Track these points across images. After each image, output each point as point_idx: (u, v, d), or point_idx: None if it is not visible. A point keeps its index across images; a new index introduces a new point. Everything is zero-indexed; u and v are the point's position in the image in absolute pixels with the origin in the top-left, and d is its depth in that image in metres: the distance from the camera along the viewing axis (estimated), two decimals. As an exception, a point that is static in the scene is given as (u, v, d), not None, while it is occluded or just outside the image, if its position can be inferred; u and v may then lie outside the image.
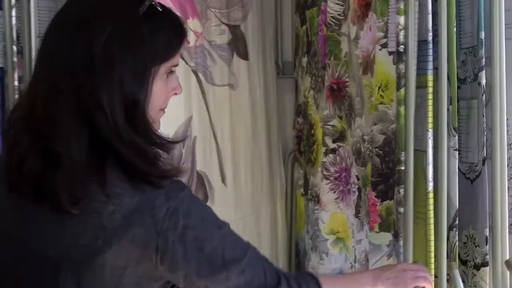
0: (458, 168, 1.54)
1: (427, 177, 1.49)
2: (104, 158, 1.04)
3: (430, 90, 1.50)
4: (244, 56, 2.24)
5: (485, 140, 1.47)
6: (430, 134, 1.49)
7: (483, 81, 1.46)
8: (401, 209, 1.55)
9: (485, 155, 1.47)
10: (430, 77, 1.49)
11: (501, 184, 1.47)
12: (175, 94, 1.16)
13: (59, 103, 1.03)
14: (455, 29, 1.48)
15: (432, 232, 1.49)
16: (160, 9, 1.10)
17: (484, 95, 1.47)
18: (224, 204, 2.14)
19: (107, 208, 1.03)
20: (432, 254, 1.48)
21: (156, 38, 1.07)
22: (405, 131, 1.52)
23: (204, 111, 2.13)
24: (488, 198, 1.48)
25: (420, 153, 1.52)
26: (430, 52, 1.49)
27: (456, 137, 1.51)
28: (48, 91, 1.05)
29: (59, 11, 1.11)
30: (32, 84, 1.10)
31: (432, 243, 1.48)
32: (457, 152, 1.51)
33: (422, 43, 1.51)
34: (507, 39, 1.47)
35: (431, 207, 1.48)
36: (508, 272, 1.46)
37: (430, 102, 1.49)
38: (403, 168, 1.53)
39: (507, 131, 1.49)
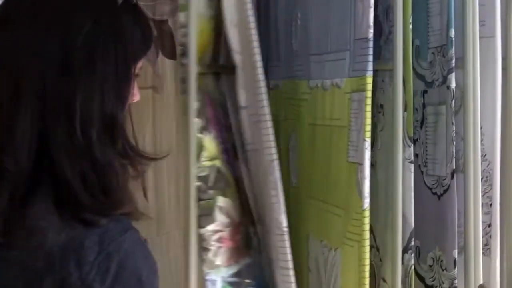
0: (424, 182, 1.40)
1: (362, 193, 1.31)
2: (38, 181, 0.92)
3: (369, 94, 1.31)
4: (171, 55, 2.05)
5: (454, 151, 1.34)
6: (367, 144, 1.31)
7: (453, 85, 1.33)
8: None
9: (454, 168, 1.34)
10: (368, 79, 1.31)
11: (475, 200, 1.36)
12: (133, 100, 1.05)
13: (20, 106, 0.91)
14: (411, 26, 1.35)
15: (366, 255, 1.31)
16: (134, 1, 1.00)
17: (453, 100, 1.34)
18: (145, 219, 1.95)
19: (29, 245, 0.90)
20: (366, 281, 1.31)
21: (134, 33, 0.99)
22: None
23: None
24: (457, 216, 1.35)
25: (353, 165, 1.34)
26: (370, 51, 1.31)
27: (412, 148, 1.37)
28: (8, 91, 0.91)
29: None
30: None
31: (366, 268, 1.31)
32: (412, 165, 1.37)
33: (359, 41, 1.34)
34: (481, 37, 1.37)
35: (366, 227, 1.31)
36: (483, 299, 1.34)
37: (368, 108, 1.31)
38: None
39: (481, 140, 1.38)
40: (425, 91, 1.41)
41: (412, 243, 1.37)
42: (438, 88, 1.37)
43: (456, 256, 1.33)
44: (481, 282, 1.37)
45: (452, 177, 1.33)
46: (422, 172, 1.41)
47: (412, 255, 1.37)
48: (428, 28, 1.39)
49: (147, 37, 1.04)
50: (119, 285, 0.89)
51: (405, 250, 1.37)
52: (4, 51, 0.93)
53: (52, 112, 0.91)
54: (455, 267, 1.33)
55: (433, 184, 1.39)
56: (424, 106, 1.40)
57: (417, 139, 1.42)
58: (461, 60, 1.35)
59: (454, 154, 1.33)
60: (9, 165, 0.90)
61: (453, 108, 1.33)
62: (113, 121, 0.94)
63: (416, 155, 1.42)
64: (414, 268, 1.43)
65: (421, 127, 1.42)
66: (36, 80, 0.91)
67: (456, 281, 1.33)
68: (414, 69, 1.40)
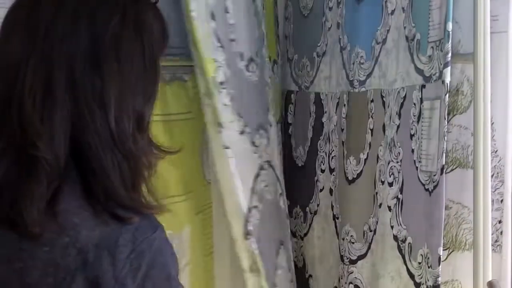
0: (418, 178, 1.43)
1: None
2: (65, 177, 0.91)
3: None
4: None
5: (444, 147, 1.36)
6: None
7: (447, 79, 1.35)
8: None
9: (443, 163, 1.35)
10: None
11: (484, 197, 1.36)
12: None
13: (54, 95, 0.91)
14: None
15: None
16: None
17: (447, 95, 1.35)
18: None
19: (61, 241, 0.90)
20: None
21: (156, 29, 1.00)
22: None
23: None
24: (445, 212, 1.38)
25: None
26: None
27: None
28: (40, 78, 0.90)
29: None
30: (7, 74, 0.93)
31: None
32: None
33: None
34: (493, 32, 1.37)
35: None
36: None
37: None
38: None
39: (493, 136, 1.39)
40: (423, 86, 1.43)
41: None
42: (435, 83, 1.39)
43: (441, 254, 1.34)
44: (490, 278, 1.36)
45: (442, 173, 1.35)
46: (416, 168, 1.43)
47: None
48: (429, 21, 1.41)
49: (166, 34, 1.05)
50: (149, 281, 0.91)
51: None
52: (33, 31, 0.93)
53: (85, 103, 0.92)
54: (439, 264, 1.35)
55: (426, 180, 1.41)
56: (421, 101, 1.42)
57: (413, 134, 1.44)
58: (472, 55, 1.36)
59: (444, 150, 1.35)
60: (46, 153, 0.90)
61: (447, 103, 1.35)
62: (142, 115, 0.96)
63: (412, 151, 1.45)
64: (406, 265, 1.47)
65: (418, 122, 1.44)
66: (67, 69, 0.92)
67: (439, 278, 1.35)
68: (413, 63, 1.41)
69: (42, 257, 0.90)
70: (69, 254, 0.89)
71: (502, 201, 1.42)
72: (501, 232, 1.42)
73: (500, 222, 1.42)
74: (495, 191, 1.41)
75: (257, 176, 1.68)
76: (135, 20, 0.96)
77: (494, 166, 1.40)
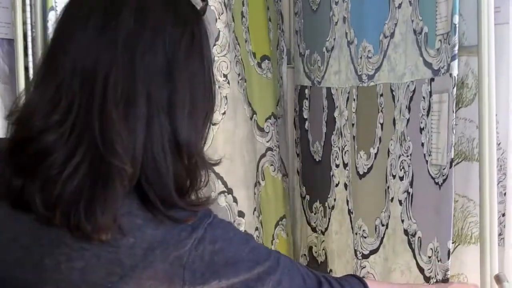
0: (428, 172, 1.45)
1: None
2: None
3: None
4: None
5: (453, 140, 1.38)
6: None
7: (455, 72, 1.37)
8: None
9: (452, 157, 1.38)
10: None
11: (490, 189, 1.38)
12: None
13: (135, 111, 0.97)
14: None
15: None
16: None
17: (455, 88, 1.37)
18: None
19: (126, 241, 0.96)
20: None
21: (208, 42, 1.06)
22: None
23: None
24: (453, 206, 1.40)
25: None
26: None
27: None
28: (123, 96, 0.96)
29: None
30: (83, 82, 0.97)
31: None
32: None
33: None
34: (495, 24, 1.38)
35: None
36: (497, 288, 1.36)
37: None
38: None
39: (496, 128, 1.39)
40: (432, 79, 1.45)
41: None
42: (443, 76, 1.42)
43: (450, 247, 1.37)
44: (497, 272, 1.37)
45: (451, 166, 1.37)
46: (426, 161, 1.46)
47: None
48: (436, 15, 1.43)
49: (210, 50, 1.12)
50: (216, 254, 1.01)
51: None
52: (112, 41, 0.97)
53: (157, 116, 0.97)
54: (448, 258, 1.38)
55: (436, 174, 1.44)
56: (430, 94, 1.44)
57: (423, 128, 1.46)
58: (476, 48, 1.37)
59: (453, 143, 1.37)
60: (125, 162, 0.95)
61: (454, 96, 1.37)
62: (206, 128, 1.04)
63: (421, 144, 1.47)
64: (415, 259, 1.49)
65: (427, 116, 1.47)
66: (146, 83, 0.97)
67: (449, 272, 1.38)
68: (422, 56, 1.43)
69: (107, 257, 0.96)
70: (135, 253, 0.96)
71: (505, 194, 1.42)
72: (504, 225, 1.42)
73: (503, 215, 1.43)
74: (498, 184, 1.41)
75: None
76: (199, 40, 1.04)
77: (498, 158, 1.41)
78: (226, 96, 1.84)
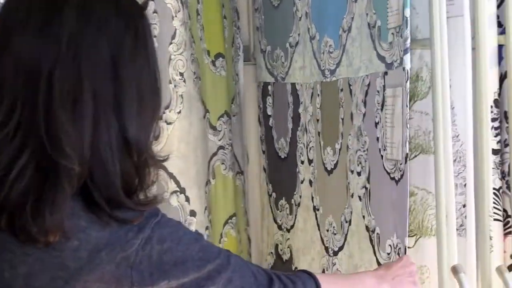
0: (383, 167, 1.47)
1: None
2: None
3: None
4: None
5: (407, 134, 1.40)
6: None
7: (408, 66, 1.39)
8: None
9: (407, 151, 1.40)
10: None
11: (446, 181, 1.40)
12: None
13: (81, 109, 0.96)
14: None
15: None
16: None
17: (408, 82, 1.40)
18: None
19: (70, 244, 0.95)
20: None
21: (152, 40, 1.06)
22: None
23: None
24: (410, 199, 1.44)
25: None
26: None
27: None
28: (69, 94, 0.95)
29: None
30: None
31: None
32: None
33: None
34: (449, 17, 1.41)
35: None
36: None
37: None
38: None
39: (454, 121, 1.41)
40: (385, 73, 1.47)
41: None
42: (397, 69, 1.44)
43: (406, 244, 1.40)
44: (456, 263, 1.40)
45: (406, 161, 1.39)
46: (382, 156, 1.48)
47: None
48: (388, 8, 1.45)
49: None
50: (165, 253, 0.99)
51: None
52: (55, 39, 0.96)
53: (104, 114, 0.96)
54: (405, 254, 1.39)
55: (392, 169, 1.46)
56: (384, 88, 1.46)
57: (378, 122, 1.48)
58: (429, 41, 1.39)
59: (408, 138, 1.39)
60: (73, 162, 0.93)
61: (408, 90, 1.39)
62: (155, 125, 1.03)
63: (377, 139, 1.49)
64: (375, 256, 1.51)
65: (381, 110, 1.49)
66: (92, 80, 0.96)
67: None
68: (376, 50, 1.45)
69: (51, 261, 0.95)
70: (80, 256, 0.95)
71: (465, 185, 1.45)
72: (466, 217, 1.44)
73: (464, 206, 1.45)
74: (458, 175, 1.45)
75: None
76: (143, 34, 1.03)
77: (456, 150, 1.44)
78: (182, 95, 1.84)
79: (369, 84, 1.55)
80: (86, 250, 0.95)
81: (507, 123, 1.45)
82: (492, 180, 1.45)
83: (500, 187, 1.48)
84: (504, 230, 1.48)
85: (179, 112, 1.83)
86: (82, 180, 0.96)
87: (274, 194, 2.18)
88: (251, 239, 2.22)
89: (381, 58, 1.48)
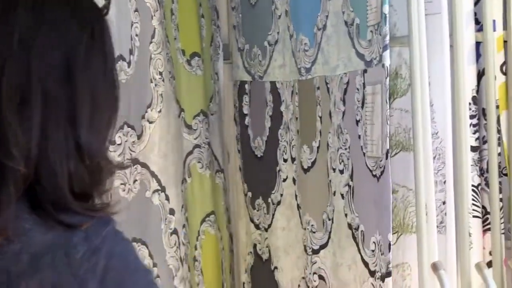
0: (366, 164, 1.48)
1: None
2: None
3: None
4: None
5: (388, 131, 1.41)
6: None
7: (387, 63, 1.40)
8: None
9: (388, 148, 1.41)
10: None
11: (426, 178, 1.42)
12: None
13: (30, 109, 0.93)
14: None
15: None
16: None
17: (387, 79, 1.41)
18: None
19: (13, 247, 0.92)
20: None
21: (111, 43, 1.03)
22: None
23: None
24: (392, 196, 1.43)
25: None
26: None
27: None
28: (18, 93, 0.93)
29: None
30: None
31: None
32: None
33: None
34: (427, 14, 1.42)
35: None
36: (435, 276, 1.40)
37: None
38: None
39: (433, 118, 1.42)
40: (365, 71, 1.48)
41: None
42: (376, 67, 1.45)
43: (391, 240, 1.41)
44: (436, 259, 1.41)
45: (387, 157, 1.40)
46: (364, 154, 1.49)
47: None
48: (367, 6, 1.46)
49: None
50: (111, 272, 0.94)
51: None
52: (6, 37, 0.94)
53: (55, 116, 0.94)
54: (389, 251, 1.41)
55: (373, 166, 1.47)
56: (364, 86, 1.47)
57: (359, 120, 1.49)
58: (408, 38, 1.41)
59: (388, 134, 1.40)
60: (20, 163, 0.91)
61: (388, 87, 1.40)
62: (110, 129, 1.01)
63: (358, 137, 1.50)
64: (360, 253, 1.51)
65: (362, 108, 1.50)
66: (43, 81, 0.94)
67: (390, 265, 1.41)
68: (354, 48, 1.45)
69: None
70: (22, 260, 0.92)
71: (445, 182, 1.46)
72: (446, 213, 1.46)
73: (444, 203, 1.47)
74: (437, 172, 1.46)
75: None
76: (101, 38, 1.01)
77: (436, 147, 1.45)
78: (161, 94, 1.85)
79: (348, 82, 1.56)
80: (28, 254, 0.92)
81: (485, 120, 1.47)
82: (471, 177, 1.47)
83: (479, 184, 1.50)
84: (483, 227, 1.51)
85: (160, 111, 1.83)
86: (28, 181, 0.93)
87: (249, 194, 2.18)
88: (233, 236, 2.23)
89: (360, 56, 1.49)
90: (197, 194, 2.04)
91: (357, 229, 1.56)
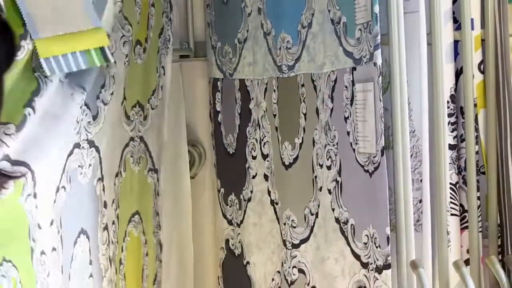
0: (356, 160, 1.52)
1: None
2: None
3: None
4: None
5: (383, 128, 1.45)
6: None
7: (379, 61, 1.44)
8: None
9: (383, 145, 1.45)
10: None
11: (404, 176, 1.46)
12: None
13: None
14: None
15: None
16: None
17: (380, 77, 1.45)
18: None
19: None
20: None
21: None
22: None
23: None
24: (389, 193, 1.47)
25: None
26: None
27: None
28: None
29: None
30: None
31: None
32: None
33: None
34: (405, 12, 1.46)
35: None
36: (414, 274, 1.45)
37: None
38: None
39: (410, 116, 1.43)
40: (353, 69, 1.51)
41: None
42: (366, 65, 1.48)
43: (388, 233, 1.44)
44: (414, 257, 1.45)
45: (382, 154, 1.45)
46: (354, 150, 1.53)
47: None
48: (355, 4, 1.49)
49: None
50: None
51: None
52: None
53: None
54: (388, 244, 1.45)
55: (365, 162, 1.50)
56: (353, 83, 1.48)
57: (348, 117, 1.49)
58: (387, 36, 1.45)
59: (383, 131, 1.44)
60: None
61: (380, 85, 1.45)
62: None
63: (347, 133, 1.51)
64: (349, 246, 1.51)
65: (351, 105, 1.50)
66: None
67: (389, 257, 1.45)
68: (342, 46, 1.49)
69: None
70: None
71: (421, 180, 1.48)
72: (422, 212, 1.47)
73: (420, 201, 1.50)
74: (414, 170, 1.50)
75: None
76: None
77: (413, 146, 1.48)
78: (113, 76, 1.76)
79: (335, 80, 1.60)
80: None
81: (463, 118, 1.50)
82: (449, 175, 1.49)
83: (457, 182, 1.54)
84: (461, 225, 1.55)
85: (112, 94, 1.76)
86: None
87: (222, 190, 2.19)
88: (162, 244, 2.13)
89: (349, 54, 1.53)
90: (128, 190, 1.93)
91: (345, 223, 1.59)
